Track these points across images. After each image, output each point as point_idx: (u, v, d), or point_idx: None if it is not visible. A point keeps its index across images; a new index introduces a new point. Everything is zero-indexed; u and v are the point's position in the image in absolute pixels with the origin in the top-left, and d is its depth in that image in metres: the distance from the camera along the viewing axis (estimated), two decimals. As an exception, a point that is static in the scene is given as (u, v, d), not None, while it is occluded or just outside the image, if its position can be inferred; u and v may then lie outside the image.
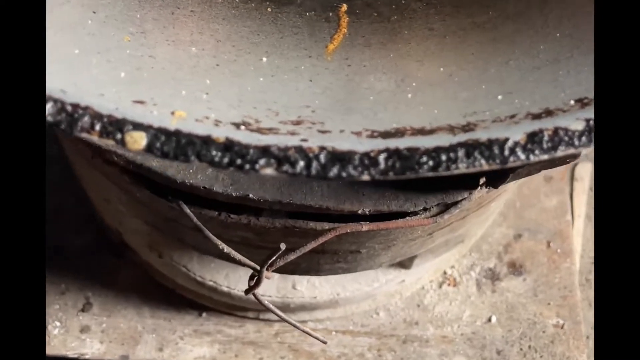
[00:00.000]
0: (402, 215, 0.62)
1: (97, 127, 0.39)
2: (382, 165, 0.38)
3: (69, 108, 0.39)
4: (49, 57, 0.42)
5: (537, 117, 0.39)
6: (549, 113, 0.39)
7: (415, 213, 0.62)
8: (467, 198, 0.62)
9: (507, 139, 0.38)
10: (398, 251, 0.72)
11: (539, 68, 0.43)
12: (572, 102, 0.40)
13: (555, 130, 0.38)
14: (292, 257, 0.62)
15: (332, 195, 0.60)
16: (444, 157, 0.38)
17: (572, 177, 1.08)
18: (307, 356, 0.94)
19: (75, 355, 0.94)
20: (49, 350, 0.94)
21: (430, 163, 0.38)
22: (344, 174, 0.38)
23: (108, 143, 0.39)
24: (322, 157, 0.38)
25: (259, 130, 0.40)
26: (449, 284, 0.97)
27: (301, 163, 0.38)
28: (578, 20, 0.46)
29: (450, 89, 0.43)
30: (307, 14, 0.52)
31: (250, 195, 0.60)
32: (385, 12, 0.52)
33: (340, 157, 0.38)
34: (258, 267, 0.62)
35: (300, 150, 0.39)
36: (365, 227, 0.62)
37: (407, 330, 0.95)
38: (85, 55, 0.44)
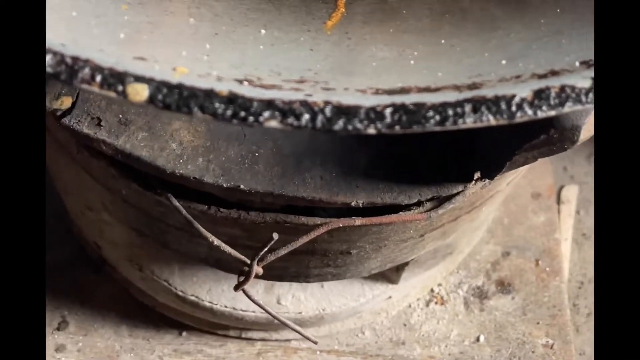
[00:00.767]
0: (396, 208, 0.61)
1: (98, 78, 0.38)
2: (388, 119, 0.38)
3: (68, 60, 0.38)
4: (47, 17, 0.42)
5: (542, 77, 0.39)
6: (554, 73, 0.39)
7: (409, 206, 0.61)
8: (461, 192, 0.61)
9: (514, 95, 0.38)
10: (389, 254, 0.71)
11: (541, 39, 0.43)
12: (577, 63, 0.40)
13: (562, 88, 0.38)
14: (283, 251, 0.61)
15: (325, 187, 0.59)
16: (450, 112, 0.38)
17: (558, 200, 1.08)
18: (291, 375, 0.91)
19: (50, 374, 0.91)
20: (21, 368, 0.90)
21: (437, 117, 0.38)
22: (349, 127, 0.37)
23: (109, 94, 0.38)
24: (328, 111, 0.38)
25: (262, 86, 0.39)
26: (436, 302, 0.95)
27: (306, 116, 0.38)
28: None
29: (453, 56, 0.43)
30: None
31: (242, 186, 0.59)
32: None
33: (345, 111, 0.38)
34: (248, 261, 0.60)
35: (305, 103, 0.38)
36: (358, 221, 0.61)
37: (393, 350, 0.93)
38: (84, 17, 0.43)
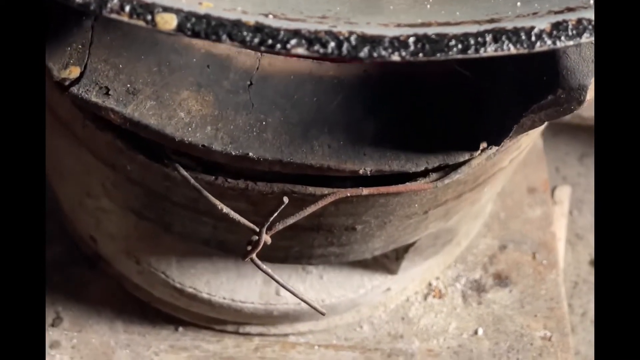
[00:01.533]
0: (403, 178, 0.61)
1: (127, 8, 0.39)
2: (412, 47, 0.38)
3: (97, -9, 0.39)
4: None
5: (559, 12, 0.40)
6: (570, 10, 0.40)
7: (416, 175, 0.61)
8: (467, 162, 0.62)
9: (533, 27, 0.39)
10: (393, 232, 0.71)
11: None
12: (591, 1, 0.41)
13: (579, 20, 0.39)
14: (291, 220, 0.61)
15: (333, 155, 0.60)
16: (472, 41, 0.39)
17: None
18: (289, 369, 0.90)
19: (43, 370, 0.89)
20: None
21: (459, 46, 0.39)
22: (374, 54, 0.38)
23: (139, 23, 0.38)
24: (353, 39, 0.38)
25: (287, 19, 0.40)
26: (434, 296, 0.95)
27: (332, 44, 0.38)
28: None
29: (469, 2, 0.44)
30: None
31: (250, 154, 0.59)
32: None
33: (370, 40, 0.38)
34: (257, 229, 0.60)
35: (330, 33, 0.39)
36: (366, 191, 0.61)
37: (391, 343, 0.93)
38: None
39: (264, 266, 0.62)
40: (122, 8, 0.38)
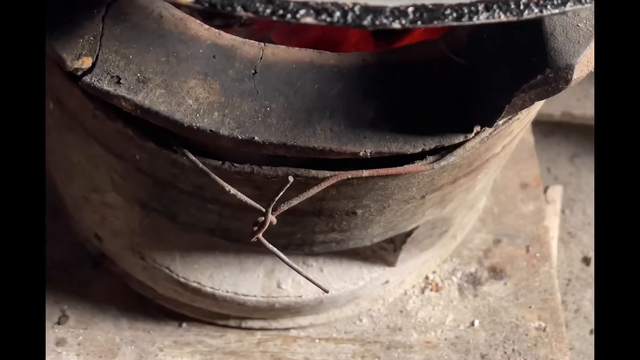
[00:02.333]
0: (401, 158, 0.64)
1: (146, -18, 0.42)
2: (410, 16, 0.42)
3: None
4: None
5: (545, -14, 0.44)
6: (555, -17, 0.44)
7: (413, 156, 0.64)
8: (462, 145, 0.65)
9: (521, -3, 0.43)
10: (392, 218, 0.74)
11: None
12: (575, -25, 0.45)
13: (564, -9, 0.43)
14: (295, 201, 0.64)
15: (334, 138, 0.63)
16: (465, 10, 0.42)
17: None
18: (291, 362, 0.92)
19: (51, 366, 0.90)
20: None
21: (454, 14, 0.42)
22: (377, 22, 0.41)
23: (155, -6, 0.41)
24: (357, 9, 0.42)
25: (295, -6, 0.43)
26: (431, 289, 0.97)
27: (338, 13, 0.42)
28: None
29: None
30: None
31: (256, 138, 0.62)
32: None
33: (372, 10, 0.42)
34: (263, 209, 0.63)
35: (336, 4, 0.42)
36: (366, 172, 0.64)
37: (390, 336, 0.95)
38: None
39: (270, 245, 0.65)
40: (143, -17, 0.42)
